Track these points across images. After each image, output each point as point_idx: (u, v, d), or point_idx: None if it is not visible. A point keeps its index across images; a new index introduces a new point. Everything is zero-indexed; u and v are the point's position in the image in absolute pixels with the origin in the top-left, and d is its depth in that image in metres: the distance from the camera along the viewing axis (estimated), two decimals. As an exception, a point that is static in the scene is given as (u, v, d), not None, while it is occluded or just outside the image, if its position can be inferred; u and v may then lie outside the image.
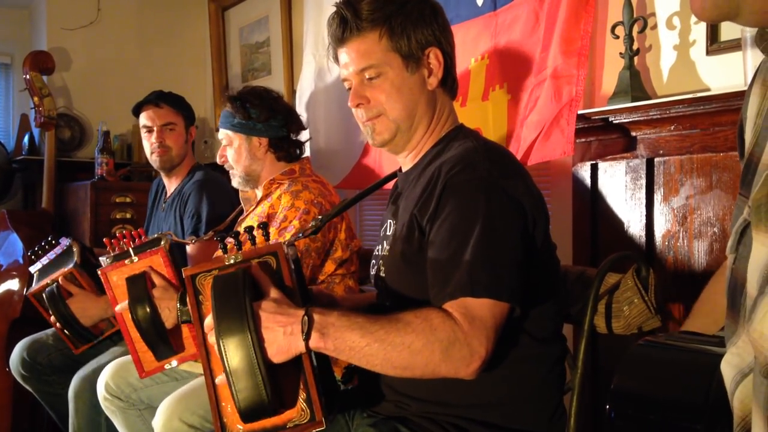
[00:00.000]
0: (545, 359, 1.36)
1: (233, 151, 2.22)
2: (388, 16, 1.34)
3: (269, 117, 2.20)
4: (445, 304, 1.19)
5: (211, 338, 1.16)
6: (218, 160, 2.27)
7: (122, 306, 1.74)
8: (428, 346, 1.14)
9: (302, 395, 1.18)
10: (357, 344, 1.14)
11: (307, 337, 1.13)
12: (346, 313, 1.17)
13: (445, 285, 1.20)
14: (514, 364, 1.30)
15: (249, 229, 1.33)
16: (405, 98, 1.37)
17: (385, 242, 1.45)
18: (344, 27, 1.36)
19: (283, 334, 1.14)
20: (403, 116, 1.37)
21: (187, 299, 1.24)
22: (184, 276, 1.24)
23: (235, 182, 2.28)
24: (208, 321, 1.18)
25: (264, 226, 1.37)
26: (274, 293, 1.19)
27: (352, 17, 1.35)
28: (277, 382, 1.16)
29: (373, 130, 1.40)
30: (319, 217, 1.59)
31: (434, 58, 1.38)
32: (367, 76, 1.37)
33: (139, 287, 1.72)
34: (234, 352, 1.12)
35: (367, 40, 1.35)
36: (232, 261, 1.23)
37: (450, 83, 1.43)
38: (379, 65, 1.35)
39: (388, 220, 1.47)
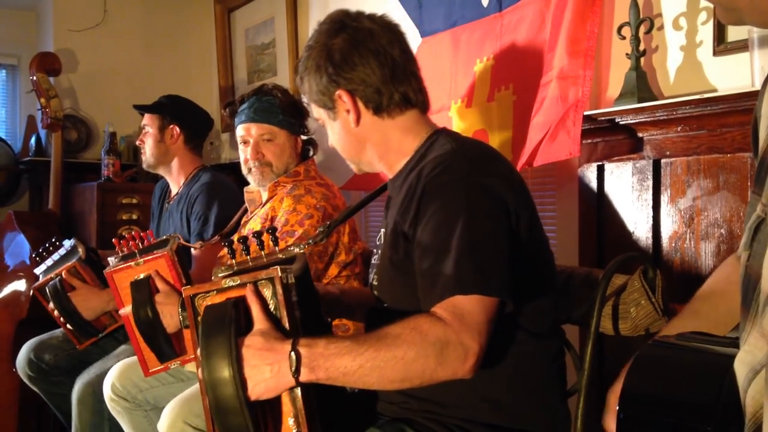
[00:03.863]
0: (543, 355, 1.35)
1: (276, 146, 2.21)
2: (302, 78, 1.46)
3: (303, 117, 2.26)
4: (434, 307, 1.18)
5: (200, 374, 1.16)
6: (249, 155, 2.21)
7: (126, 310, 1.77)
8: (422, 353, 1.13)
9: (293, 429, 1.18)
10: (350, 368, 1.13)
11: (296, 374, 1.13)
12: (333, 339, 1.16)
13: (433, 287, 1.20)
14: (511, 360, 1.30)
15: (257, 234, 1.33)
16: (339, 142, 1.47)
17: (378, 250, 1.46)
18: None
19: (270, 372, 1.14)
20: (347, 156, 1.49)
21: (188, 320, 1.24)
22: (183, 296, 1.24)
23: (256, 179, 2.23)
24: (199, 353, 1.18)
25: (272, 230, 1.37)
26: (262, 324, 1.18)
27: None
28: (265, 414, 1.16)
29: (349, 164, 1.53)
30: (328, 223, 1.60)
31: (343, 97, 1.40)
32: (321, 123, 1.51)
33: (143, 292, 1.73)
34: (220, 391, 1.12)
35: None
36: (230, 284, 1.22)
37: (386, 106, 1.40)
38: (318, 117, 1.49)
39: (382, 229, 1.48)
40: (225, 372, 1.12)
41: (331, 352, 1.14)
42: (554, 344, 1.39)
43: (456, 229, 1.20)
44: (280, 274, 1.20)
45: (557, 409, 1.36)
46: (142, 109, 2.76)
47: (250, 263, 1.34)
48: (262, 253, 1.36)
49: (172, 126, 2.70)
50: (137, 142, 2.76)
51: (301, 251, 1.41)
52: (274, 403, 1.18)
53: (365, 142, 1.43)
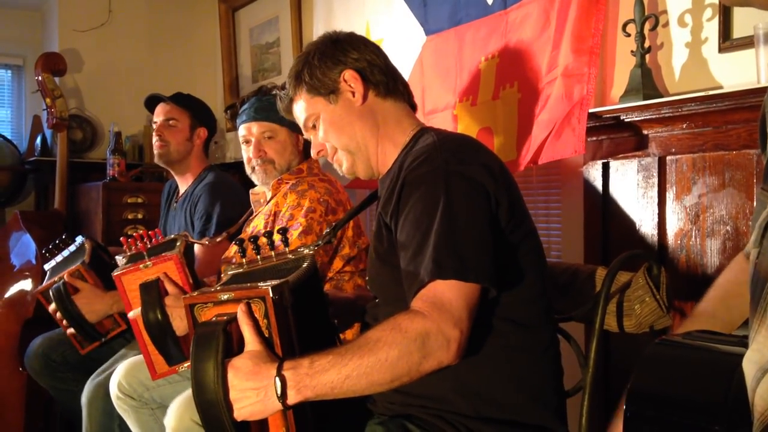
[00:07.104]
0: (534, 347, 1.35)
1: (277, 143, 2.22)
2: (299, 73, 1.49)
3: None
4: (415, 297, 1.19)
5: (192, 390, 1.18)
6: (252, 154, 2.23)
7: (135, 312, 1.76)
8: (405, 351, 1.14)
9: None
10: (336, 382, 1.14)
11: (283, 398, 1.14)
12: (318, 356, 1.16)
13: (414, 276, 1.21)
14: (500, 353, 1.30)
15: (268, 234, 1.34)
16: (338, 126, 1.47)
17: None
18: (286, 99, 1.57)
19: (256, 397, 1.15)
20: (346, 142, 1.47)
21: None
22: (183, 304, 1.26)
23: (259, 177, 2.24)
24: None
25: (283, 231, 1.38)
26: (253, 345, 1.19)
27: (285, 93, 1.56)
28: (255, 428, 1.19)
29: (340, 166, 1.51)
30: (333, 224, 1.62)
31: (349, 78, 1.46)
32: (311, 125, 1.51)
33: (152, 294, 1.72)
34: (208, 412, 1.15)
35: (297, 100, 1.52)
36: (225, 297, 1.23)
37: (389, 89, 1.48)
38: (312, 113, 1.50)
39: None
40: (212, 395, 1.14)
41: (316, 370, 1.14)
42: (545, 335, 1.38)
43: (435, 218, 1.22)
44: (271, 295, 1.20)
45: (551, 401, 1.36)
46: (176, 100, 2.72)
47: (260, 263, 1.35)
48: (272, 253, 1.36)
49: (201, 128, 2.72)
50: (155, 133, 2.68)
51: (311, 252, 1.41)
52: (265, 418, 1.19)
53: (366, 121, 1.46)
